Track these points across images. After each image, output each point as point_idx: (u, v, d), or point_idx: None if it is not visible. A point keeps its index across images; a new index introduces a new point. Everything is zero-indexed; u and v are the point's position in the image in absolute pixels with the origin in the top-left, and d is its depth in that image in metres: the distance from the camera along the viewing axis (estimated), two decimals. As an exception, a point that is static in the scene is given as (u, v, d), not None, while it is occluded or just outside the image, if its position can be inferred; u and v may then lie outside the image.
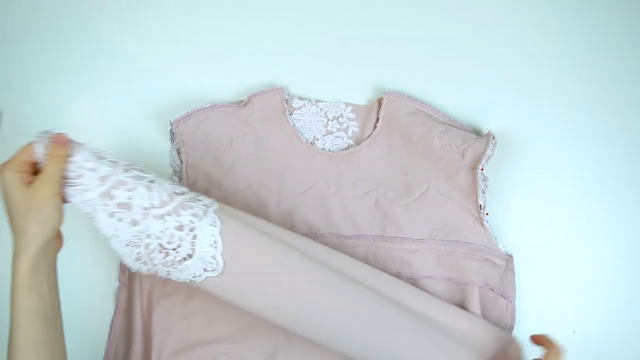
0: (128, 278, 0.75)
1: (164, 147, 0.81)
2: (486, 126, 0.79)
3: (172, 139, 0.79)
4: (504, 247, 0.75)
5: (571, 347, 0.74)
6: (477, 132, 0.79)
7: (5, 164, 0.60)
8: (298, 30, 0.83)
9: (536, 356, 0.64)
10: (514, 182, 0.78)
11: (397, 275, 0.73)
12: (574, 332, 0.75)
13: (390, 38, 0.82)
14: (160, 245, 0.60)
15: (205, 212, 0.61)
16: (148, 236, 0.60)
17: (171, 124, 0.76)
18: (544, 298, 0.76)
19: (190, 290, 0.74)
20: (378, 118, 0.77)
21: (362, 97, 0.81)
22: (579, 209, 0.78)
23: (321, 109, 0.80)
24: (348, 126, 0.79)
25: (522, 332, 0.74)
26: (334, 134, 0.79)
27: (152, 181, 0.62)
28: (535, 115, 0.80)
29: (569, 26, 0.81)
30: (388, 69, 0.81)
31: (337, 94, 0.81)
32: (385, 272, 0.73)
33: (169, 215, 0.60)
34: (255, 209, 0.76)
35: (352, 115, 0.79)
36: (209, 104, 0.76)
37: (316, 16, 0.83)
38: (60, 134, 0.61)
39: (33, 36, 0.85)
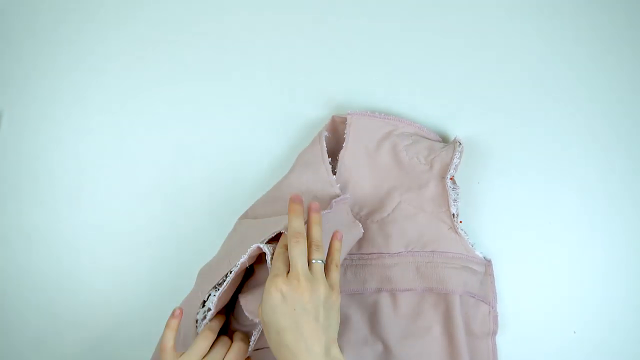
0: None
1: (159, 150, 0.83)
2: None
3: None
4: (481, 252, 0.75)
5: (571, 347, 0.75)
6: (445, 139, 0.79)
7: None
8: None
9: None
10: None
11: (378, 291, 0.73)
12: (574, 332, 0.75)
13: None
14: None
15: None
16: None
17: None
18: (543, 298, 0.76)
19: None
20: (344, 138, 0.77)
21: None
22: (575, 209, 0.77)
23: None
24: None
25: (517, 340, 0.74)
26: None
27: None
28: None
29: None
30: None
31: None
32: (366, 288, 0.74)
33: None
34: None
35: (324, 132, 0.78)
36: None
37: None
38: None
39: (33, 36, 0.86)
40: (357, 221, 0.73)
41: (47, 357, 0.81)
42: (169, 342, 0.63)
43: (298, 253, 0.60)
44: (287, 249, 0.61)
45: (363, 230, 0.73)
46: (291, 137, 0.82)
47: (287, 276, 0.59)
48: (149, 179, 0.83)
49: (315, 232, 0.63)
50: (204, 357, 0.63)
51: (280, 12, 0.84)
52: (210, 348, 0.65)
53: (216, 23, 0.85)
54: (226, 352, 0.65)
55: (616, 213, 0.76)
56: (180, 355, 0.63)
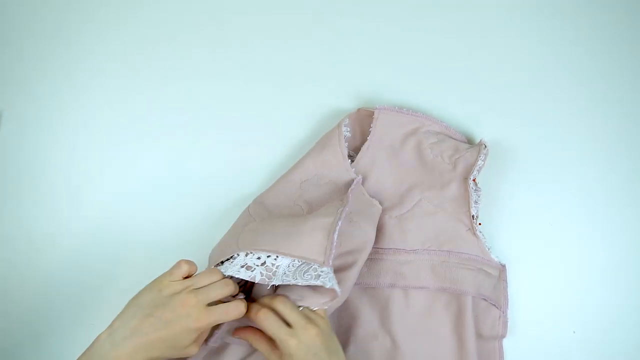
0: None
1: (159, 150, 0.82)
2: (480, 134, 0.78)
3: None
4: (497, 257, 0.75)
5: (571, 347, 0.75)
6: (471, 140, 0.79)
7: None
8: (288, 33, 0.84)
9: None
10: (508, 190, 0.78)
11: (391, 287, 0.73)
12: (574, 332, 0.75)
13: (384, 43, 0.83)
14: None
15: None
16: None
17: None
18: (543, 299, 0.76)
19: None
20: (370, 131, 0.77)
21: (353, 102, 0.81)
22: (575, 213, 0.78)
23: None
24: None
25: (519, 339, 0.74)
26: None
27: None
28: (531, 123, 0.80)
29: (564, 33, 0.81)
30: (381, 74, 0.82)
31: (333, 99, 0.82)
32: (379, 283, 0.73)
33: None
34: None
35: (345, 121, 0.78)
36: None
37: (308, 19, 0.84)
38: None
39: (33, 36, 0.86)
40: (373, 199, 0.74)
41: (46, 357, 0.80)
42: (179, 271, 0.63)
43: (288, 308, 0.61)
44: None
45: (381, 207, 0.73)
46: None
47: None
48: (150, 179, 0.83)
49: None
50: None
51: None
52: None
53: (221, 22, 0.85)
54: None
55: (616, 213, 0.77)
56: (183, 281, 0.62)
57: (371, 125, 0.77)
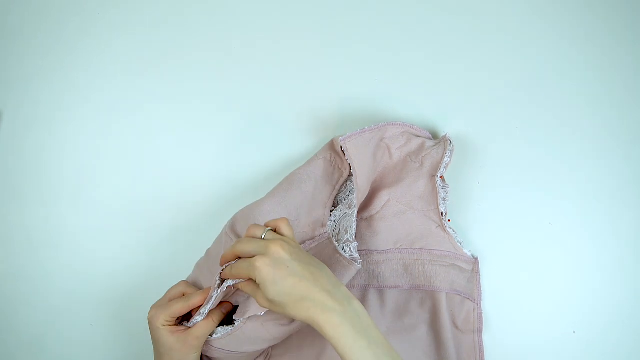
0: None
1: (159, 150, 0.83)
2: (480, 134, 0.78)
3: None
4: (469, 251, 0.75)
5: (571, 347, 0.75)
6: (435, 135, 0.78)
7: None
8: (285, 34, 0.83)
9: None
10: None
11: (366, 288, 0.74)
12: (574, 332, 0.75)
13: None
14: None
15: None
16: None
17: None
18: (544, 299, 0.76)
19: None
20: (349, 163, 0.73)
21: (349, 103, 0.81)
22: (574, 212, 0.77)
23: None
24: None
25: (519, 340, 0.75)
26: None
27: None
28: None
29: (563, 34, 0.79)
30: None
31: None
32: (354, 284, 0.74)
33: None
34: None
35: (326, 155, 0.76)
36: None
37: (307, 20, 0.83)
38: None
39: (33, 37, 0.86)
40: (352, 261, 0.68)
41: (46, 357, 0.82)
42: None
43: (245, 244, 0.60)
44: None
45: (360, 266, 0.68)
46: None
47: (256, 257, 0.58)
48: (150, 179, 0.83)
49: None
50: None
51: (278, 15, 0.83)
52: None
53: (220, 23, 0.84)
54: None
55: (611, 213, 0.76)
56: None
57: (346, 157, 0.72)
